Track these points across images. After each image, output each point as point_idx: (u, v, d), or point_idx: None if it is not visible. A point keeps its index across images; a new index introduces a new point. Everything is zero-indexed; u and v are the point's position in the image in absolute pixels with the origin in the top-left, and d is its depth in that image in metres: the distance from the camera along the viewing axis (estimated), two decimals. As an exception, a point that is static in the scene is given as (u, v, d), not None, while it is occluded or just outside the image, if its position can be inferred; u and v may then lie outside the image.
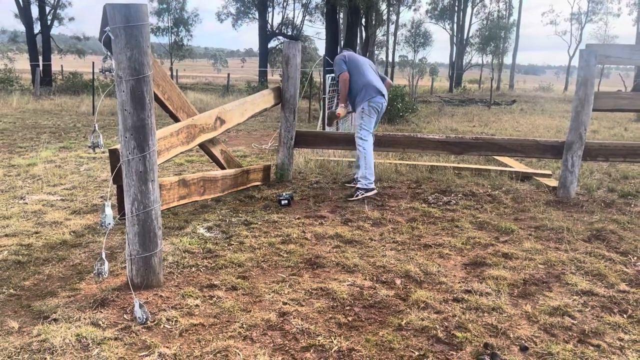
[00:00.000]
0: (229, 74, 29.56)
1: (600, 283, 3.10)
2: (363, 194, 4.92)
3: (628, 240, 3.88)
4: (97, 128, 2.66)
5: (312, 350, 2.30)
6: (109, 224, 2.61)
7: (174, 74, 32.68)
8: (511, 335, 2.46)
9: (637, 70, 27.55)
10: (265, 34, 33.96)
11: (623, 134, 11.43)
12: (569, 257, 3.51)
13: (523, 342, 2.40)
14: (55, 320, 2.49)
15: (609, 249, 3.72)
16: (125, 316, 2.55)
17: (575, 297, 2.90)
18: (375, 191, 5.05)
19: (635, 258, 3.54)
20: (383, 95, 5.15)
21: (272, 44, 37.48)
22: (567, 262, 3.42)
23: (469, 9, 46.27)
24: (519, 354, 2.31)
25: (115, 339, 2.35)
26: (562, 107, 20.39)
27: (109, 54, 2.55)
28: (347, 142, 6.03)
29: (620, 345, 2.40)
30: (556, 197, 5.15)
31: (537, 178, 5.90)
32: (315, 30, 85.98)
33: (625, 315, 2.70)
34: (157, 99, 3.49)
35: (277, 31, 36.47)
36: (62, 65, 32.19)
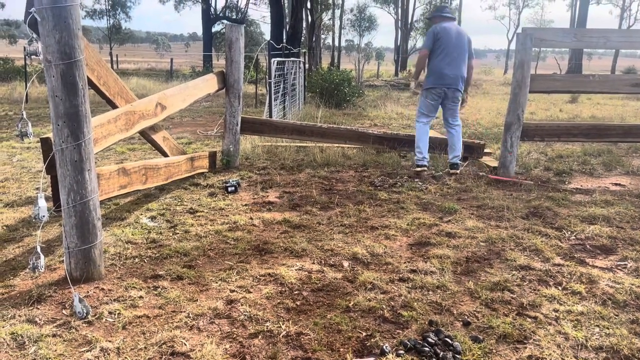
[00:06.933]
0: (172, 59, 28.71)
1: (537, 258, 3.24)
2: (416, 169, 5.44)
3: (562, 216, 4.07)
4: (25, 116, 2.51)
5: (260, 337, 2.29)
6: (43, 216, 2.48)
7: (114, 59, 31.44)
8: (455, 312, 2.53)
9: (571, 53, 28.80)
10: (209, 18, 33.14)
11: (558, 115, 11.96)
12: (508, 234, 3.65)
13: (466, 317, 2.47)
14: (-13, 319, 2.36)
15: (545, 224, 3.89)
16: (64, 312, 2.45)
17: (514, 272, 3.02)
18: (421, 168, 5.38)
19: (569, 233, 3.72)
20: (448, 83, 5.34)
21: (217, 28, 36.70)
22: (507, 239, 3.56)
23: (412, -7, 46.89)
24: (462, 329, 2.38)
25: (54, 335, 2.25)
26: (502, 90, 21.09)
27: (34, 36, 2.40)
28: (293, 131, 6.04)
29: (555, 316, 2.52)
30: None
31: (479, 159, 6.08)
32: (261, 14, 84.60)
33: (560, 288, 2.83)
34: (92, 84, 3.34)
35: (221, 15, 35.67)
36: (-9, 51, 30.35)
